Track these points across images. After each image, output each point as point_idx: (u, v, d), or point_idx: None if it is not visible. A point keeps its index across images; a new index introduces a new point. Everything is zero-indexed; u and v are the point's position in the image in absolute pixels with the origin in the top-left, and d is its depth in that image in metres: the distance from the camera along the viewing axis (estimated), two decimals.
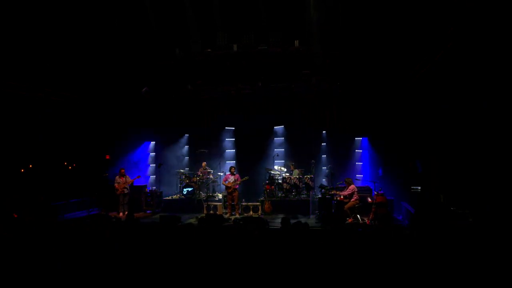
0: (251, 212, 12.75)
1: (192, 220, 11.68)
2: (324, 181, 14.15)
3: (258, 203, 12.97)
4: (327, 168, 14.34)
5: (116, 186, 12.98)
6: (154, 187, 14.81)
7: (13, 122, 11.85)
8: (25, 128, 12.29)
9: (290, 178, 13.65)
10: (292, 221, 7.10)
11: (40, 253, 5.11)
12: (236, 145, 16.08)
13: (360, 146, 14.87)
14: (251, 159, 15.24)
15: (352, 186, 11.29)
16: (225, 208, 13.04)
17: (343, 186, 11.88)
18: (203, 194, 14.07)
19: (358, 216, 11.12)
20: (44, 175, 12.89)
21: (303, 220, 11.00)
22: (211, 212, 12.70)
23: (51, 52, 10.95)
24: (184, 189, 14.06)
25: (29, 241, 5.54)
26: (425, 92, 11.22)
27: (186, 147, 16.50)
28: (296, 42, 11.19)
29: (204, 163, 14.93)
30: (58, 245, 5.35)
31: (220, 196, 13.89)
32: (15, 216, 8.11)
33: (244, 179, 12.87)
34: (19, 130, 12.08)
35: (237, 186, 12.73)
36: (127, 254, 5.22)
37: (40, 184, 12.42)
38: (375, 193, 11.24)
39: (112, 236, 6.03)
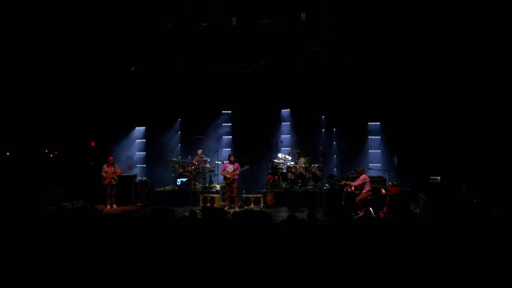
0: (252, 205, 12.86)
1: (187, 214, 11.80)
2: (334, 170, 14.22)
3: (260, 195, 13.07)
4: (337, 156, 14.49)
5: (104, 175, 13.06)
6: (145, 178, 14.92)
7: None
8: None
9: (296, 167, 13.72)
10: (298, 215, 7.18)
11: (38, 253, 5.25)
12: (236, 130, 16.13)
13: (373, 132, 14.92)
14: (252, 146, 15.30)
15: (363, 176, 11.37)
16: (223, 200, 13.14)
17: (354, 176, 11.97)
18: (198, 185, 14.18)
19: (371, 209, 11.22)
20: (22, 163, 13.03)
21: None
22: (208, 205, 12.82)
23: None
24: (178, 180, 14.16)
25: (28, 240, 5.69)
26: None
27: (179, 132, 16.58)
28: (303, 15, 11.11)
29: (199, 151, 14.98)
30: (54, 244, 5.49)
31: (218, 187, 14.00)
32: None
33: (244, 168, 12.93)
34: None
35: (237, 177, 12.80)
36: (118, 252, 5.33)
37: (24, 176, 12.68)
38: (390, 183, 11.32)
39: (99, 231, 6.13)
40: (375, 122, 14.85)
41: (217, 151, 14.98)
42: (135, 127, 16.28)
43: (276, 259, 4.99)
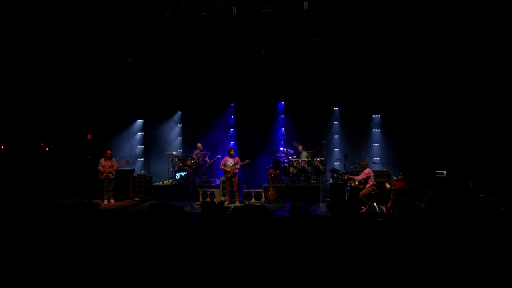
0: (253, 199, 12.87)
1: (188, 209, 11.86)
2: (336, 164, 14.20)
3: (261, 190, 13.08)
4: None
5: (101, 169, 13.03)
6: (143, 172, 14.90)
7: None
8: None
9: (298, 161, 13.70)
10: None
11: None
12: (236, 123, 16.11)
13: (378, 124, 14.87)
14: (253, 140, 15.29)
15: (367, 170, 11.35)
16: (224, 195, 13.16)
17: (358, 170, 11.95)
18: (198, 180, 14.18)
19: (375, 204, 11.22)
20: (18, 157, 13.05)
21: (312, 208, 11.15)
22: (208, 199, 12.83)
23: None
24: (177, 174, 14.16)
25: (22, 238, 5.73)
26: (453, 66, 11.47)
27: (179, 125, 16.55)
28: (306, 4, 11.06)
29: (199, 144, 14.97)
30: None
31: (218, 181, 14.00)
32: None
33: (245, 162, 12.91)
34: None
35: (237, 171, 12.78)
36: (117, 248, 5.33)
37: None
38: (394, 178, 11.30)
39: (96, 228, 6.14)
40: (379, 114, 14.78)
41: (217, 144, 14.95)
42: (133, 120, 16.24)
43: (276, 256, 4.99)
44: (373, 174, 11.40)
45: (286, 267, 4.78)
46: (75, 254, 5.17)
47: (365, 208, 11.11)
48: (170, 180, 14.67)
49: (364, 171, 11.35)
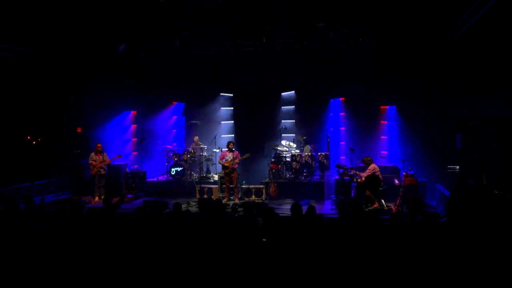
0: (253, 196, 12.82)
1: (184, 206, 11.78)
2: (342, 159, 14.13)
3: (261, 186, 13.01)
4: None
5: (93, 163, 12.91)
6: (136, 167, 14.84)
7: None
8: None
9: (301, 155, 13.64)
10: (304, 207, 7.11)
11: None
12: (235, 115, 16.05)
13: (386, 117, 14.78)
14: (253, 133, 15.23)
15: (372, 166, 11.27)
16: (222, 191, 13.10)
17: (363, 166, 11.88)
18: (195, 175, 14.13)
19: (382, 201, 11.16)
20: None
21: (316, 206, 11.09)
22: (205, 196, 12.78)
23: None
24: (172, 169, 14.11)
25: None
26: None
27: (175, 117, 16.47)
28: None
29: (196, 138, 14.91)
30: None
31: (216, 177, 13.96)
32: None
33: (244, 156, 12.84)
34: None
35: (236, 166, 12.72)
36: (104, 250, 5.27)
37: None
38: (404, 173, 11.24)
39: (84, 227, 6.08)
40: (389, 105, 14.66)
41: (214, 137, 14.89)
42: (126, 112, 16.15)
43: (277, 257, 4.94)
44: (378, 170, 11.32)
45: (288, 269, 4.73)
46: (63, 254, 5.13)
47: (374, 206, 11.05)
48: (165, 176, 14.61)
49: (369, 167, 11.27)
